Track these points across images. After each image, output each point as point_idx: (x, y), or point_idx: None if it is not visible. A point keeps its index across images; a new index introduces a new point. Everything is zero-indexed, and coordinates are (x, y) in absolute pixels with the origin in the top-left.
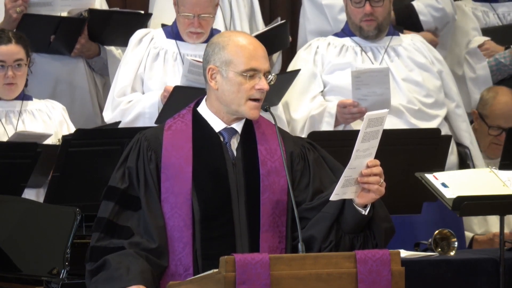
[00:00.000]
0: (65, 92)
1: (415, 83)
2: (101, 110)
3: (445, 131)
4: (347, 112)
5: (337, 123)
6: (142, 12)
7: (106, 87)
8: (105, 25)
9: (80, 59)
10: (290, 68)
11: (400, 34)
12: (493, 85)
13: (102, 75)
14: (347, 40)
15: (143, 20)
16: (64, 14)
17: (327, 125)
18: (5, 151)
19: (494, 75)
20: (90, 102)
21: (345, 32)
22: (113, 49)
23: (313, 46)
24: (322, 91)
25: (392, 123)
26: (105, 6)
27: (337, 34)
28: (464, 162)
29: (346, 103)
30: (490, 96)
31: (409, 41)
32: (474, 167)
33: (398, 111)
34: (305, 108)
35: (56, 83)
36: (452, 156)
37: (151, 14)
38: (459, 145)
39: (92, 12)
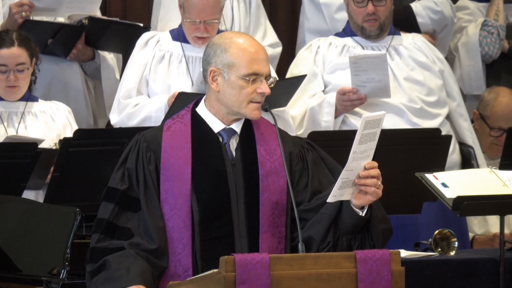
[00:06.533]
0: (60, 92)
1: (416, 82)
2: (94, 111)
3: (447, 130)
4: (346, 99)
5: (337, 113)
6: (141, 24)
7: (97, 90)
8: (103, 33)
9: (74, 61)
10: (291, 67)
11: (400, 33)
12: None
13: (93, 79)
14: (348, 40)
15: (141, 32)
16: (65, 18)
17: (327, 115)
18: (5, 151)
19: (481, 40)
20: (84, 103)
21: (346, 32)
22: (106, 54)
23: (314, 46)
24: (323, 91)
25: (394, 122)
26: (99, 13)
27: (338, 34)
28: (468, 161)
29: (345, 90)
30: (491, 97)
31: (410, 40)
32: (478, 166)
33: (399, 110)
34: (303, 104)
35: (51, 83)
36: (454, 155)
37: (149, 28)
38: (462, 144)
39: (92, 20)
